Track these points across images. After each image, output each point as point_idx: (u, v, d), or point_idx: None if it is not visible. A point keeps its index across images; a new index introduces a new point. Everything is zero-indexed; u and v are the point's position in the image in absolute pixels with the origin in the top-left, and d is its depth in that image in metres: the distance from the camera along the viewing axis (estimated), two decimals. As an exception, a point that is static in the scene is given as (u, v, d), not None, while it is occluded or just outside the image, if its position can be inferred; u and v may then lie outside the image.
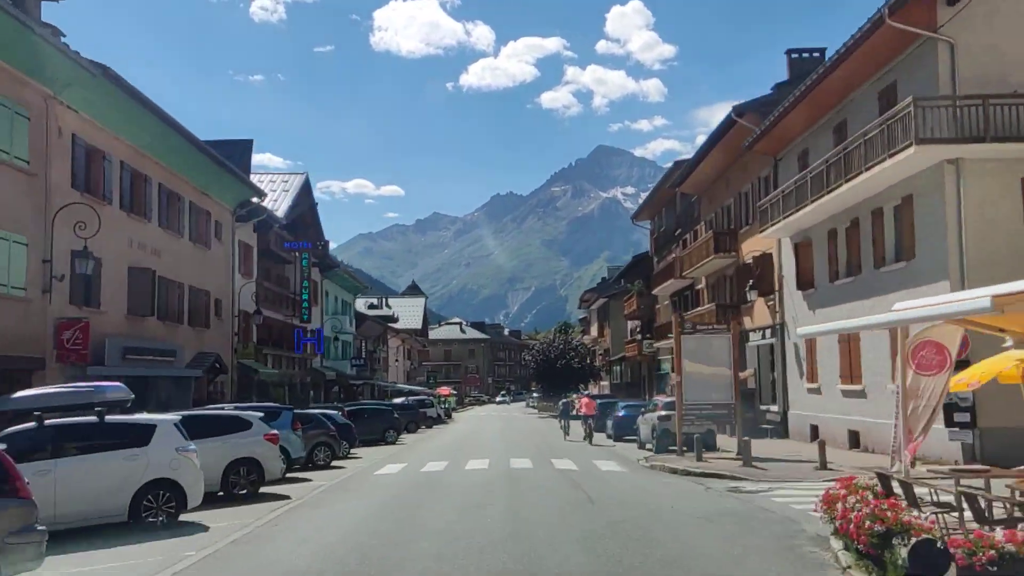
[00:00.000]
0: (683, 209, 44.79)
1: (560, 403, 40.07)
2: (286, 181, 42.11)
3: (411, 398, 51.23)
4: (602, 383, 70.99)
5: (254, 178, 39.03)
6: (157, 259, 26.94)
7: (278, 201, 40.00)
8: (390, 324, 75.58)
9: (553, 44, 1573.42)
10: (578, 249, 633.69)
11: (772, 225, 27.43)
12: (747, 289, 30.71)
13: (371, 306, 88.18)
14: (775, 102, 28.63)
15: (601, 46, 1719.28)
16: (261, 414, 16.69)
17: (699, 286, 40.98)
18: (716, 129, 33.09)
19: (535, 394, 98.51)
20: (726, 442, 24.23)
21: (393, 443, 33.30)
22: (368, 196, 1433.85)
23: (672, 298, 47.42)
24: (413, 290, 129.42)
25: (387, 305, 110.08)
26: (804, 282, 27.08)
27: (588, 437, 32.25)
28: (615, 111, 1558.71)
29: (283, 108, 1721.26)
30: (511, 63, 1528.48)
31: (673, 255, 45.00)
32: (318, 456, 22.66)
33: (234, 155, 35.73)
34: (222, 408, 18.85)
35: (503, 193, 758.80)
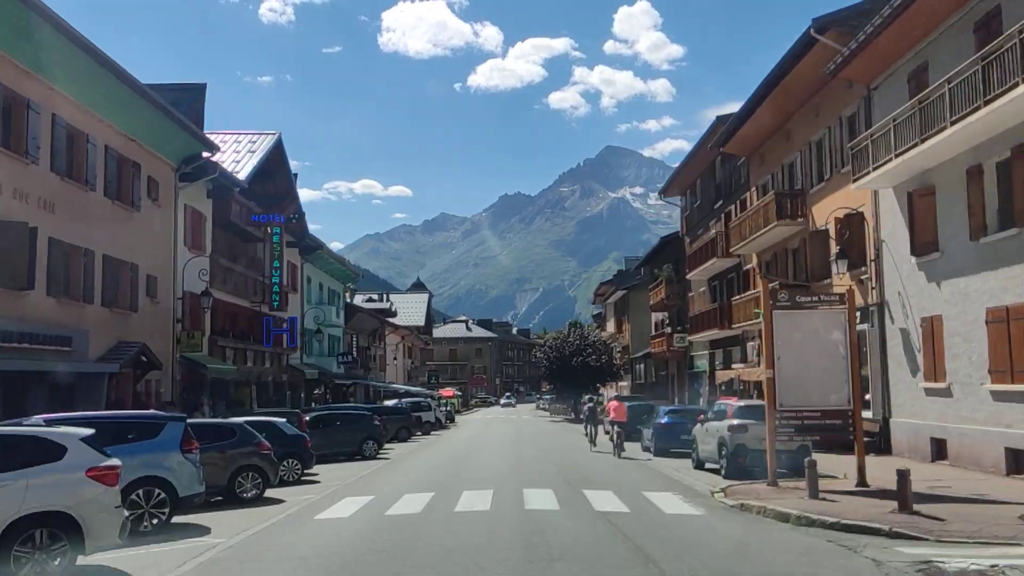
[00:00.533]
0: (725, 176, 37.58)
1: (585, 406, 32.99)
2: (253, 141, 35.01)
3: (405, 400, 44.15)
4: (621, 384, 63.75)
5: (215, 137, 31.99)
6: (47, 215, 19.87)
7: (242, 163, 32.91)
8: (387, 319, 68.51)
9: (561, 45, 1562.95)
10: (587, 250, 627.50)
11: (873, 171, 20.20)
12: (833, 259, 23.35)
13: (369, 300, 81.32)
14: (864, 13, 21.44)
15: (609, 46, 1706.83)
16: (87, 432, 9.39)
17: (749, 265, 33.76)
18: (782, 61, 25.73)
19: (546, 395, 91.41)
20: (827, 463, 16.97)
21: (372, 457, 26.17)
22: (375, 196, 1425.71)
23: (711, 283, 40.20)
24: (417, 288, 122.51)
25: (387, 300, 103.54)
26: (922, 245, 19.82)
27: (618, 449, 25.20)
28: (623, 111, 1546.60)
29: (291, 109, 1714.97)
30: (519, 64, 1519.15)
31: (713, 231, 37.80)
32: (243, 486, 15.52)
33: (182, 102, 28.65)
34: (37, 422, 11.44)
35: (511, 193, 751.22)
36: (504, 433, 42.31)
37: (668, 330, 46.36)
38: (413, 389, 57.84)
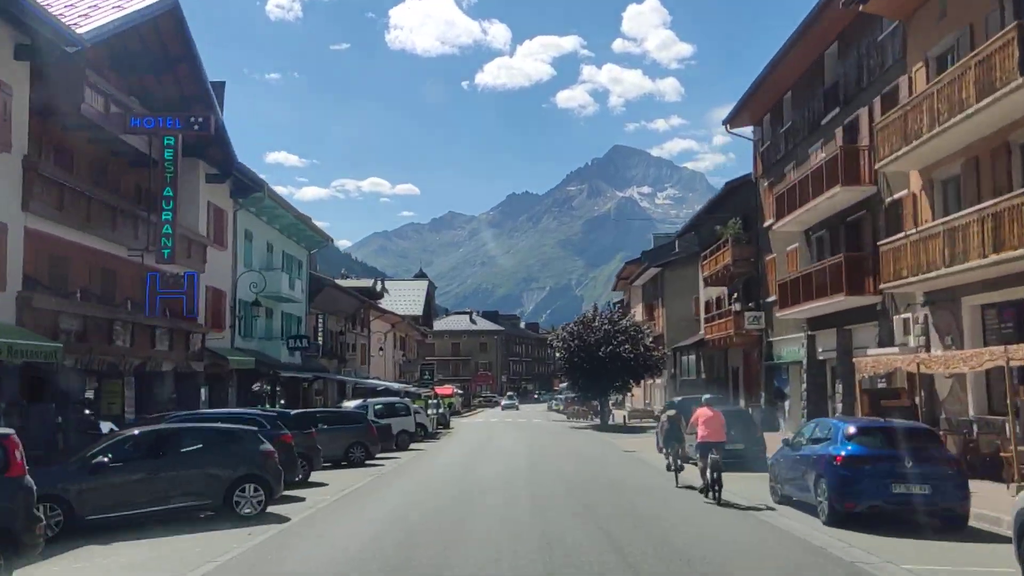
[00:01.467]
0: (846, 71, 24.70)
1: (663, 416, 20.21)
2: (127, -2, 22.11)
3: (373, 401, 31.57)
4: (656, 380, 51.01)
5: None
6: None
7: (92, 17, 20.12)
8: (372, 301, 55.85)
9: (569, 43, 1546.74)
10: (593, 249, 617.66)
11: None
12: None
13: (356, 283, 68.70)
14: None
15: (618, 45, 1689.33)
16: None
17: (901, 193, 20.97)
18: None
19: (561, 395, 78.39)
20: None
21: (252, 515, 13.05)
22: (383, 195, 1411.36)
23: (811, 235, 27.42)
24: (418, 278, 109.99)
25: (379, 284, 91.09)
26: None
27: (711, 490, 13.13)
28: (631, 110, 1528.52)
29: (299, 107, 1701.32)
30: (527, 62, 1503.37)
31: (822, 155, 25.02)
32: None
33: None
34: None
35: (519, 192, 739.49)
36: (513, 449, 29.64)
37: (735, 307, 33.59)
38: (396, 386, 45.29)
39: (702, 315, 41.98)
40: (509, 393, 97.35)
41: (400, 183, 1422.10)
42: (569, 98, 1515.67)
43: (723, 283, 36.45)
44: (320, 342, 40.47)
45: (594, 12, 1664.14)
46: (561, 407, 69.96)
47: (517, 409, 79.11)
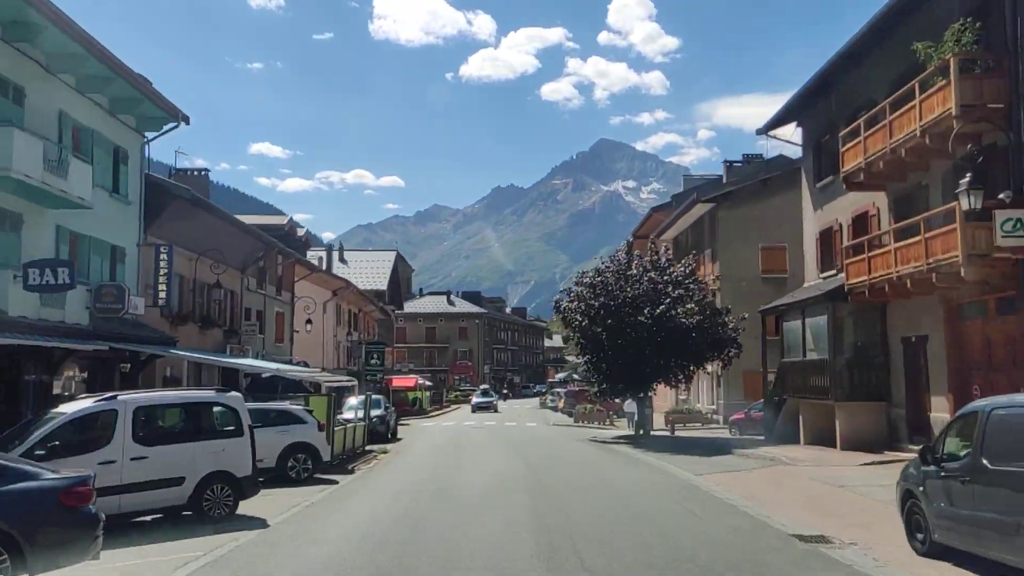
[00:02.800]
0: None
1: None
2: None
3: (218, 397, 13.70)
4: (708, 368, 33.14)
5: None
6: None
7: None
8: (291, 251, 37.61)
9: (554, 35, 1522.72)
10: (578, 243, 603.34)
11: None
12: None
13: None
14: None
15: (603, 37, 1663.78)
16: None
17: None
18: None
19: (561, 387, 60.45)
20: None
21: None
22: (368, 187, 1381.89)
23: None
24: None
25: (336, 253, 73.13)
26: None
27: None
28: (616, 104, 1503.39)
29: (282, 97, 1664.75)
30: (512, 54, 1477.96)
31: None
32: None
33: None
34: None
35: (504, 185, 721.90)
36: (492, 523, 11.61)
37: (967, 203, 15.65)
38: (297, 373, 27.05)
39: (813, 257, 24.33)
40: (483, 387, 69.35)
41: (384, 175, 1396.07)
42: (554, 91, 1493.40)
43: (893, 175, 18.72)
44: (163, 292, 22.49)
45: (580, 4, 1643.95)
46: (560, 403, 52.21)
47: (494, 411, 55.19)
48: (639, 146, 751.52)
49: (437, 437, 30.77)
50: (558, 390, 60.39)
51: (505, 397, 77.59)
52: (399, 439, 29.23)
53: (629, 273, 26.41)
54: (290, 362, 37.85)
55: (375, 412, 26.91)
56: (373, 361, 41.22)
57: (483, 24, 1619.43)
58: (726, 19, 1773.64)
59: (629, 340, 25.66)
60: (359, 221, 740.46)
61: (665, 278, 26.21)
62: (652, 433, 28.81)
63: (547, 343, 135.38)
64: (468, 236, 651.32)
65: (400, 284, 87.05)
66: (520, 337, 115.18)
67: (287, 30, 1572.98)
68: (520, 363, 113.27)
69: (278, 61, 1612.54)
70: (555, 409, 55.33)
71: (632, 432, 29.33)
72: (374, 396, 29.52)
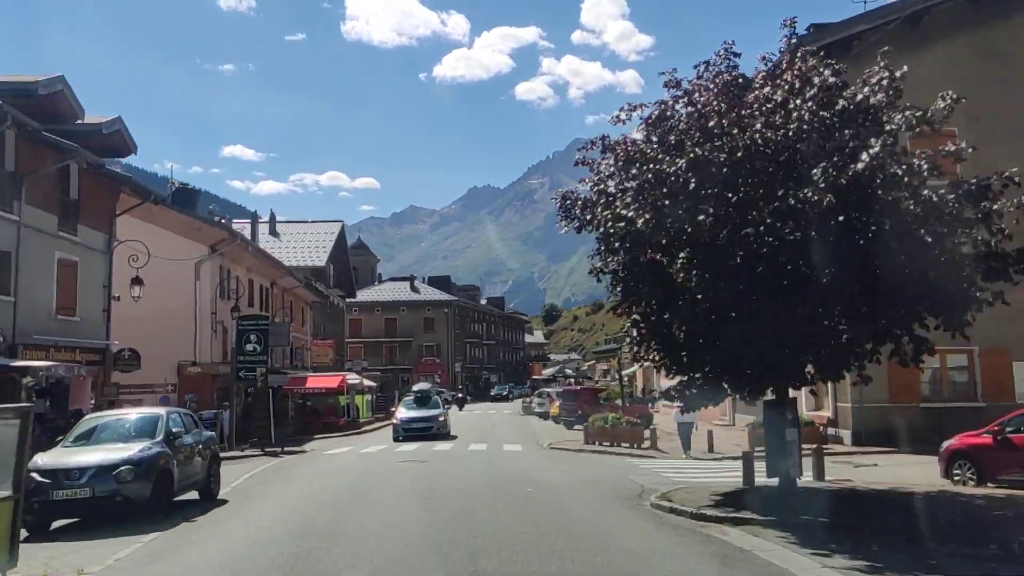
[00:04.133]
0: None
1: None
2: None
3: None
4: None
5: None
6: None
7: None
8: (87, 152, 21.16)
9: (528, 34, 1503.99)
10: (556, 242, 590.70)
11: None
12: None
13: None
14: None
15: (577, 36, 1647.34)
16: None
17: None
18: None
19: (553, 385, 44.62)
20: None
21: None
22: (343, 188, 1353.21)
23: None
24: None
25: (272, 229, 57.69)
26: None
27: None
28: (591, 103, 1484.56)
29: (255, 99, 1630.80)
30: (485, 54, 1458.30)
31: None
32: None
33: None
34: None
35: (480, 186, 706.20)
36: None
37: None
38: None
39: None
40: (417, 391, 34.02)
41: (359, 176, 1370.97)
42: (529, 90, 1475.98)
43: None
44: None
45: (553, 3, 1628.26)
46: (553, 409, 36.21)
47: (444, 433, 27.66)
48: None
49: (313, 492, 14.40)
50: (547, 391, 44.38)
51: (462, 403, 55.50)
52: (218, 502, 13.05)
53: (762, 99, 10.12)
54: (105, 350, 21.83)
55: (140, 449, 10.84)
56: (250, 347, 24.92)
57: (457, 24, 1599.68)
58: (699, 16, 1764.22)
59: (762, 257, 9.75)
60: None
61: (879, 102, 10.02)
62: (806, 482, 12.61)
63: (528, 339, 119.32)
64: (445, 237, 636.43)
65: (351, 266, 70.70)
66: (498, 330, 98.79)
67: (258, 31, 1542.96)
68: (498, 360, 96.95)
69: (250, 63, 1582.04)
70: (544, 416, 39.28)
71: (744, 481, 12.87)
72: (172, 412, 13.29)
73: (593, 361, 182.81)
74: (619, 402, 28.40)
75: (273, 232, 59.57)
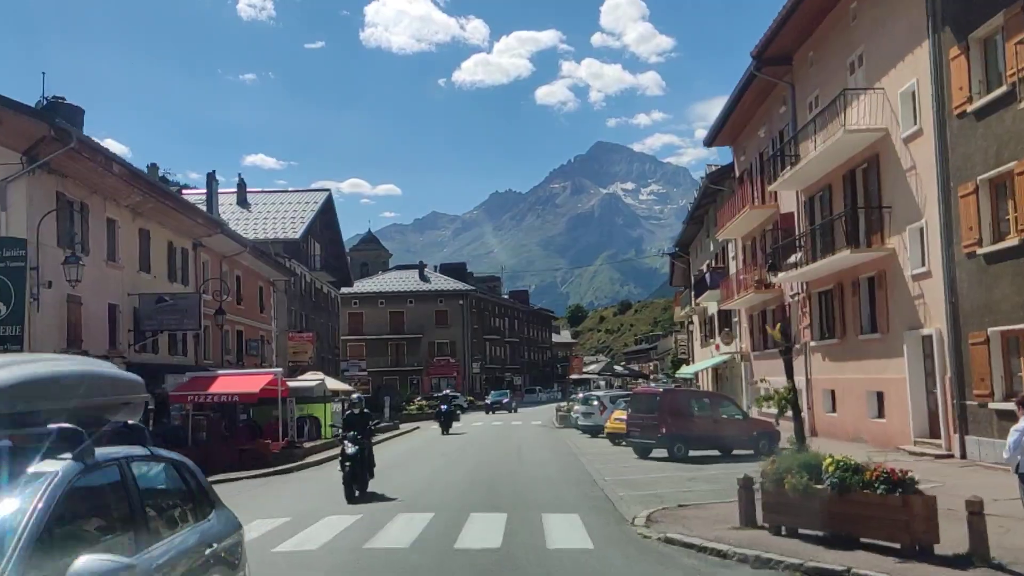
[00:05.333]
0: None
1: None
2: None
3: None
4: None
5: None
6: None
7: None
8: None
9: (548, 37, 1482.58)
10: (578, 247, 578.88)
11: None
12: None
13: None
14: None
15: (597, 39, 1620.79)
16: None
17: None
18: None
19: (603, 387, 31.42)
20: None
21: None
22: (364, 195, 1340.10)
23: None
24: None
25: (241, 200, 45.66)
26: None
27: None
28: (612, 105, 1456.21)
29: (275, 108, 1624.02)
30: (504, 58, 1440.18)
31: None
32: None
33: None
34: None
35: (502, 191, 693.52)
36: None
37: None
38: None
39: None
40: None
41: (381, 184, 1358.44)
42: (549, 94, 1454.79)
43: None
44: None
45: (572, 5, 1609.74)
46: (609, 421, 23.10)
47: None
48: (636, 147, 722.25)
49: None
50: (598, 395, 31.17)
51: (448, 420, 32.22)
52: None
53: None
54: None
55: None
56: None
57: (475, 29, 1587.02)
58: (720, 17, 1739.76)
59: None
60: (357, 231, 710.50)
61: None
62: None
63: (555, 338, 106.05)
64: (467, 242, 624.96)
65: (343, 247, 58.28)
66: (521, 327, 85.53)
67: (278, 40, 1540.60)
68: (522, 359, 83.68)
69: (270, 72, 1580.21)
70: (594, 432, 26.26)
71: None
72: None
73: (625, 360, 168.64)
74: (777, 414, 14.72)
75: (242, 203, 47.08)
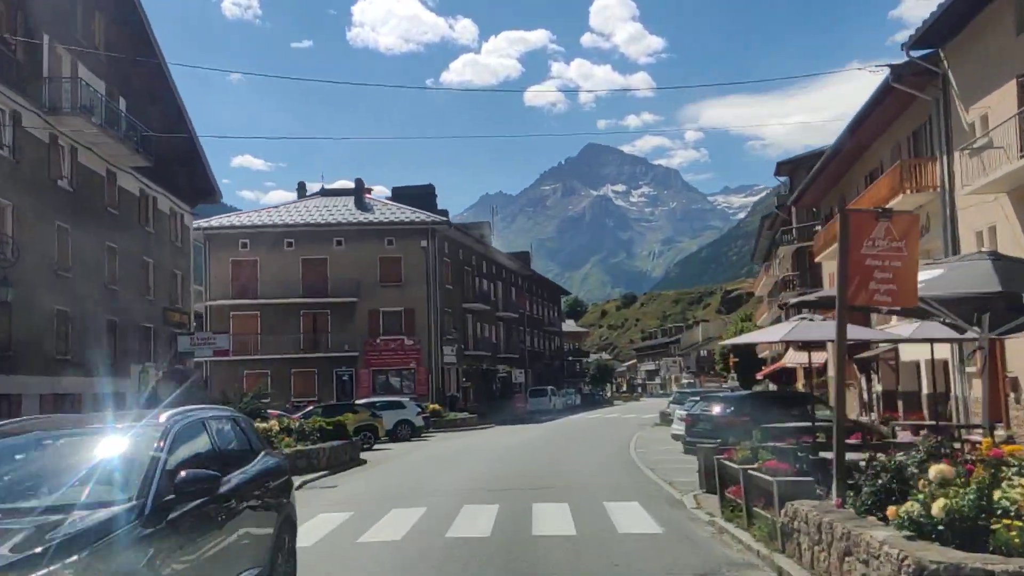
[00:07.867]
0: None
1: None
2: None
3: None
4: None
5: None
6: None
7: None
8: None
9: (537, 37, 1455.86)
10: (569, 249, 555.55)
11: None
12: None
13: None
14: None
15: (586, 39, 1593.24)
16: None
17: None
18: None
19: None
20: None
21: None
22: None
23: None
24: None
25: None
26: None
27: None
28: (602, 107, 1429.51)
29: (262, 108, 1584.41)
30: (493, 59, 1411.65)
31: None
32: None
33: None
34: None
35: (492, 193, 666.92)
36: None
37: None
38: None
39: None
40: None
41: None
42: (539, 95, 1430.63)
43: None
44: None
45: (561, 5, 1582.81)
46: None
47: None
48: (627, 149, 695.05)
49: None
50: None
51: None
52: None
53: None
54: None
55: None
56: None
57: (464, 29, 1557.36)
58: (710, 18, 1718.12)
59: None
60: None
61: None
62: None
63: (564, 327, 78.04)
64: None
65: (198, 145, 30.56)
66: (520, 299, 57.36)
67: (264, 39, 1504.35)
68: (522, 346, 55.64)
69: (256, 71, 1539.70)
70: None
71: None
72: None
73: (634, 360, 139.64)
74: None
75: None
